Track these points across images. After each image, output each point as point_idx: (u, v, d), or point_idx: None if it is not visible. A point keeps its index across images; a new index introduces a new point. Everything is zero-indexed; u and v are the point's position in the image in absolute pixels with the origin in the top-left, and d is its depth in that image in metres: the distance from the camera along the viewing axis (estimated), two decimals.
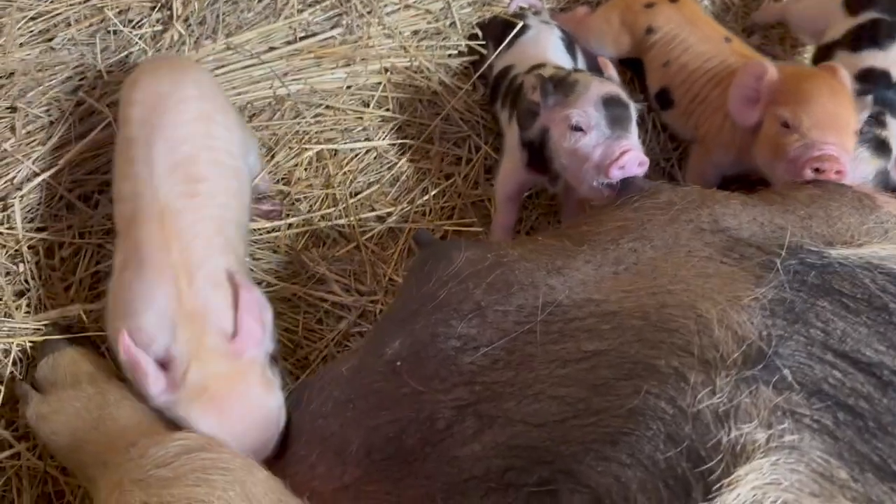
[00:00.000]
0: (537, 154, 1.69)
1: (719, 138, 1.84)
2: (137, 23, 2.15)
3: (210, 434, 1.25)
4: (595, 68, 1.82)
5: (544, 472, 1.01)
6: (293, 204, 1.93)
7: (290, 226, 1.89)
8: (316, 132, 2.04)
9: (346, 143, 2.03)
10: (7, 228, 1.80)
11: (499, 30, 2.10)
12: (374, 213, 1.93)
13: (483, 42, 2.17)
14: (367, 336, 1.47)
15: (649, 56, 2.04)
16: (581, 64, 2.04)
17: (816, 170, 1.51)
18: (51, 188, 1.85)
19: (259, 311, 1.40)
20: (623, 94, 1.59)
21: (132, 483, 1.05)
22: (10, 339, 1.61)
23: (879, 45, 1.82)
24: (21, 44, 2.09)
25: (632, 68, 2.15)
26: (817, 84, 1.63)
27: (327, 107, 2.08)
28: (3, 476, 1.52)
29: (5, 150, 1.87)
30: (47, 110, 1.96)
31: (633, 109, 1.57)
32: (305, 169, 1.99)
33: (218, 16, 2.15)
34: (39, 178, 1.84)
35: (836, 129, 1.56)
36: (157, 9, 2.17)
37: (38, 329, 1.63)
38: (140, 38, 2.11)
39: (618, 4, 2.12)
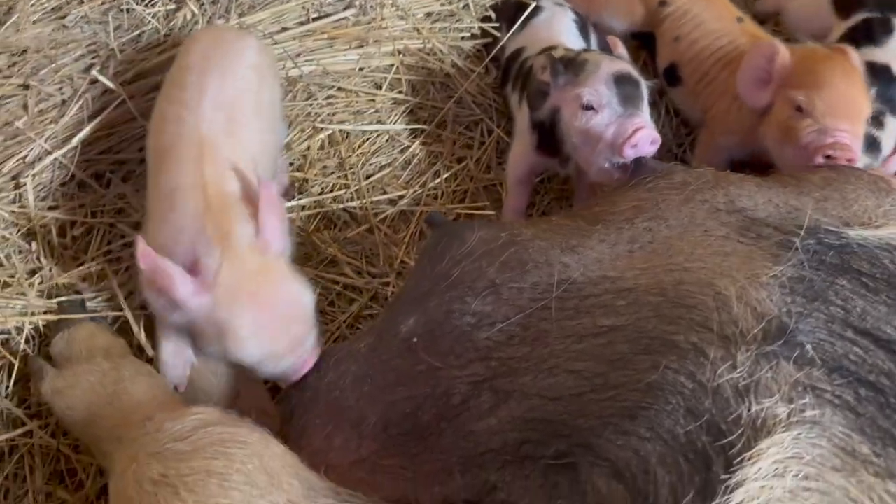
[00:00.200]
0: (548, 136, 1.68)
1: (726, 122, 1.83)
2: (150, 1, 2.15)
3: (252, 331, 1.26)
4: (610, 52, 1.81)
5: (561, 445, 1.00)
6: (304, 183, 1.93)
7: (302, 207, 1.89)
8: (328, 114, 2.04)
9: (359, 125, 2.02)
10: (19, 207, 1.80)
11: (512, 11, 2.09)
12: (385, 196, 1.92)
13: (496, 24, 2.15)
14: (381, 316, 1.47)
15: (661, 30, 2.03)
16: (594, 47, 2.02)
17: (828, 156, 1.50)
18: (63, 167, 1.84)
19: (279, 207, 1.40)
20: (634, 72, 1.58)
21: (149, 456, 1.05)
22: (24, 318, 1.61)
23: (875, 41, 1.81)
24: (34, 21, 2.08)
25: (647, 48, 2.14)
26: (831, 67, 1.62)
27: (339, 88, 2.07)
28: (16, 454, 1.52)
29: (18, 128, 1.86)
30: (60, 88, 1.95)
31: (645, 87, 1.56)
32: (318, 151, 1.99)
33: None
34: (52, 157, 1.83)
35: (849, 116, 1.56)
36: None
37: (51, 308, 1.63)
38: (153, 17, 2.10)
39: None
